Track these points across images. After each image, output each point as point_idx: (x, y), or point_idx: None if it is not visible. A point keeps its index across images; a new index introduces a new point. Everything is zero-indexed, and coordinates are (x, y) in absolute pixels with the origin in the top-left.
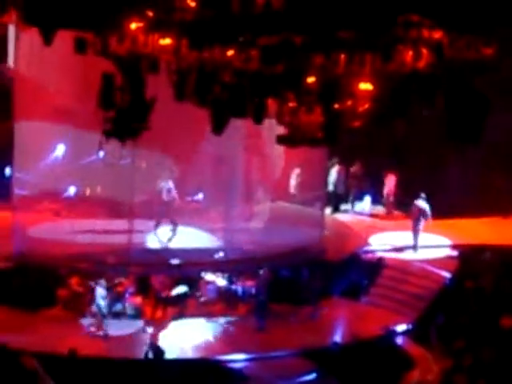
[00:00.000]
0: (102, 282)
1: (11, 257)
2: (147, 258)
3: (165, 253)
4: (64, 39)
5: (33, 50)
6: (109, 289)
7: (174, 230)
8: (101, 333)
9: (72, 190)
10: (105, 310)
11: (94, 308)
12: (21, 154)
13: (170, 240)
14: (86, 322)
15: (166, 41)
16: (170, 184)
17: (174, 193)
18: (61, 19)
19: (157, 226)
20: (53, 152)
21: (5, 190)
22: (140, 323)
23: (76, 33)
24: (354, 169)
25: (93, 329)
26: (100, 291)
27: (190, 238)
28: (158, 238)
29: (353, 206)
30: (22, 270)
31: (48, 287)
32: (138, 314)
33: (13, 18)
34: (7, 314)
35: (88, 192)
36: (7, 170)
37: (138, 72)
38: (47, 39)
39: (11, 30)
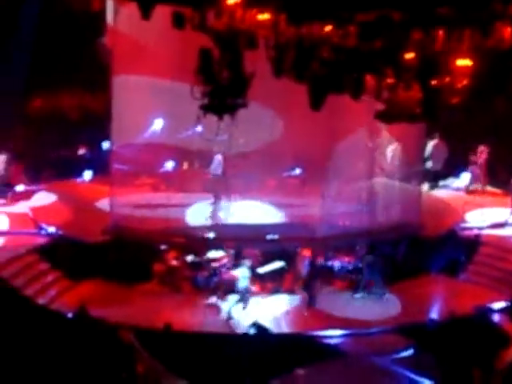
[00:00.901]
0: (246, 261)
1: (108, 231)
2: (243, 232)
3: (261, 227)
4: (162, 14)
5: (131, 24)
6: (204, 264)
7: (215, 204)
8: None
9: (170, 165)
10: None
11: (238, 288)
12: (118, 129)
13: (211, 216)
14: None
15: (264, 16)
16: (220, 157)
17: (222, 167)
18: None
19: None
20: (150, 126)
21: (103, 165)
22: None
23: (174, 7)
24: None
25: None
26: (243, 271)
27: (286, 213)
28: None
29: (450, 182)
30: (118, 244)
31: (144, 261)
32: (233, 289)
33: None
34: (104, 288)
35: (185, 166)
36: (105, 145)
37: (236, 47)
38: (145, 13)
39: (109, 5)
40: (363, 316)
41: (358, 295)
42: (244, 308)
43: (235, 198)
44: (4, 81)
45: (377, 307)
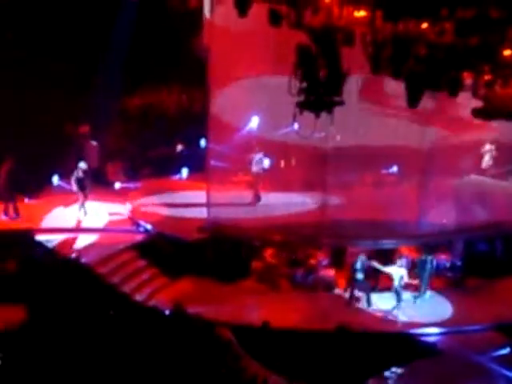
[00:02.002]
0: (403, 261)
1: (205, 228)
2: (341, 230)
3: (359, 225)
4: (259, 11)
5: (228, 21)
6: (301, 261)
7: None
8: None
9: (266, 163)
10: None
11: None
12: (216, 126)
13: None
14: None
15: (361, 13)
16: (261, 155)
17: (264, 164)
18: None
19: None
20: (248, 123)
21: (200, 162)
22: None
23: (271, 5)
24: None
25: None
26: (399, 270)
27: (382, 211)
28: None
29: None
30: (216, 241)
31: (242, 259)
32: (330, 286)
33: None
34: (201, 285)
35: (282, 164)
36: (202, 142)
37: (333, 44)
38: (242, 11)
39: (206, 2)
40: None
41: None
42: (398, 307)
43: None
44: (103, 79)
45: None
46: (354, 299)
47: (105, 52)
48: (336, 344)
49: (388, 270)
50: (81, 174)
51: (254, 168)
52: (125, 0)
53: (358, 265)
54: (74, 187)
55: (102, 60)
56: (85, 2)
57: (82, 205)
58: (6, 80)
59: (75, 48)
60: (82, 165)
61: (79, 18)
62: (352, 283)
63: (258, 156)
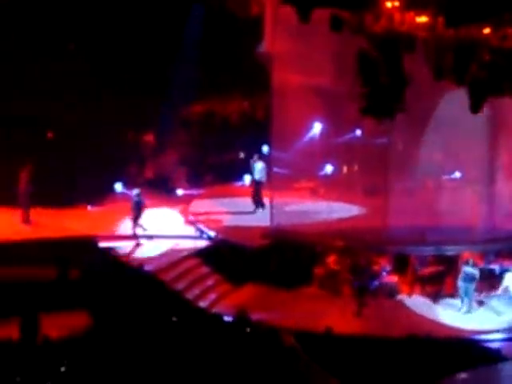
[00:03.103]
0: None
1: (268, 234)
2: (403, 236)
3: (422, 231)
4: (320, 17)
5: (289, 28)
6: (364, 268)
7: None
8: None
9: (329, 169)
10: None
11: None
12: (278, 133)
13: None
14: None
15: (422, 18)
16: (262, 164)
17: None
18: None
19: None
20: (310, 130)
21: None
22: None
23: (332, 11)
24: None
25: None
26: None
27: (448, 216)
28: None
29: None
30: (278, 247)
31: (304, 265)
32: (394, 292)
33: None
34: (264, 291)
35: (345, 170)
36: (265, 149)
37: (395, 50)
38: (304, 17)
39: (268, 9)
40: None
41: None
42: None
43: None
44: (168, 87)
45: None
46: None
47: (171, 61)
48: (401, 351)
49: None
50: (136, 198)
51: (257, 178)
52: (191, 9)
53: (468, 269)
54: (134, 213)
55: (168, 69)
56: (151, 12)
57: (137, 223)
58: (70, 88)
59: (140, 57)
60: (136, 191)
61: (144, 28)
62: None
63: (259, 165)
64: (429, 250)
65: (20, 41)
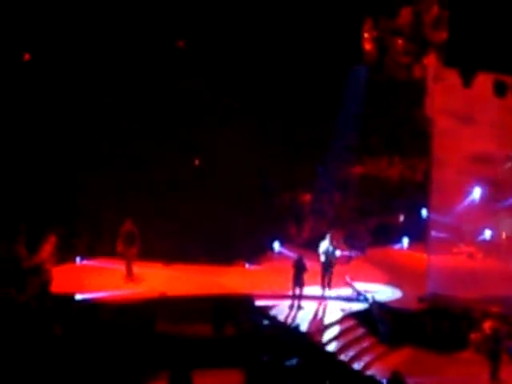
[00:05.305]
0: None
1: (425, 298)
2: None
3: None
4: (483, 82)
5: (451, 92)
6: None
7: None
8: None
9: (488, 233)
10: None
11: None
12: (438, 197)
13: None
14: None
15: None
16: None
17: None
18: (483, 61)
19: None
20: (470, 195)
21: (419, 232)
22: None
23: (496, 75)
24: None
25: None
26: None
27: None
28: None
29: None
30: (435, 311)
31: (461, 330)
32: None
33: (433, 60)
34: (419, 354)
35: (504, 235)
36: (423, 212)
37: None
38: (467, 81)
39: (430, 73)
40: None
41: None
42: None
43: None
44: (328, 149)
45: None
46: None
47: (330, 123)
48: None
49: None
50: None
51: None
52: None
53: None
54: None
55: (326, 131)
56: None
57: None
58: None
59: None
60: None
61: (305, 90)
62: None
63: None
64: None
65: None
